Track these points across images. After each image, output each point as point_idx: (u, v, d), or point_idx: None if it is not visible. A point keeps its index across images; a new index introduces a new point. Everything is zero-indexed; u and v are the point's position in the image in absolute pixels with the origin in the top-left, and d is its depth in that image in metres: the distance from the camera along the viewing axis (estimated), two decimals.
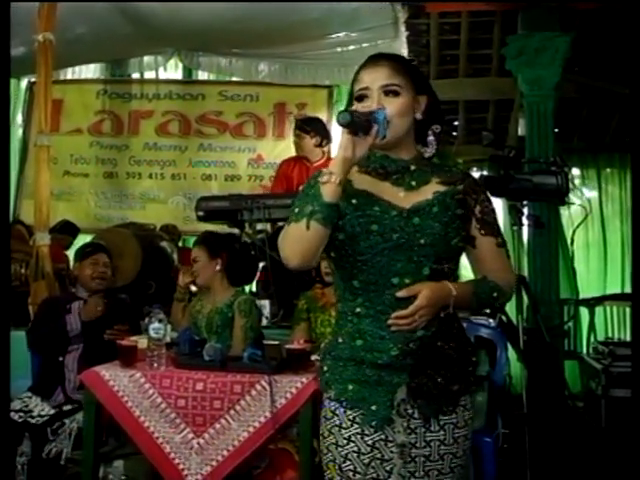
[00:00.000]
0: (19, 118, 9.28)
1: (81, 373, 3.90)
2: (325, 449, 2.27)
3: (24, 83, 9.27)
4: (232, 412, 3.50)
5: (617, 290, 7.97)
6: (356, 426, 2.21)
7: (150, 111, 9.04)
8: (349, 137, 2.08)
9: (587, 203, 6.96)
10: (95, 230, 7.67)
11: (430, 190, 2.25)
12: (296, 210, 2.15)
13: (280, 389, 3.47)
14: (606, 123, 8.24)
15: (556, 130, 5.98)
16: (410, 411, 2.19)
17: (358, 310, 2.23)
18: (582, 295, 7.39)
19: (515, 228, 5.00)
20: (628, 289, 7.75)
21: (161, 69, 9.33)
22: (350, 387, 2.22)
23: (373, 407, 2.19)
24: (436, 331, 2.19)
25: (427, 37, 7.26)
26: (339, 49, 8.10)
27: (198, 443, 3.53)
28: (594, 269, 8.33)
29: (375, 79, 2.22)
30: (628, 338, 6.70)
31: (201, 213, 5.45)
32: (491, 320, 4.87)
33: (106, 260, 4.73)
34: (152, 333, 3.68)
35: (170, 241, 6.77)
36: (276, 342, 3.77)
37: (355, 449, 2.20)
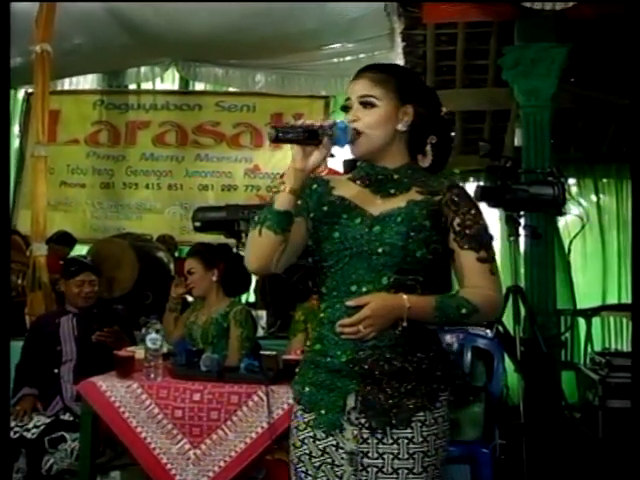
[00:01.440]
0: (16, 129, 9.28)
1: (77, 383, 3.90)
2: (291, 446, 2.31)
3: (21, 94, 9.28)
4: (229, 423, 3.49)
5: (615, 300, 7.97)
6: (309, 429, 2.23)
7: (147, 122, 9.08)
8: (298, 148, 2.11)
9: (584, 213, 6.98)
10: (91, 240, 7.68)
11: (406, 199, 2.22)
12: (255, 217, 2.19)
13: (277, 400, 3.46)
14: (603, 133, 8.25)
15: (552, 141, 5.97)
16: (362, 420, 2.17)
17: (322, 315, 2.27)
18: (580, 305, 7.40)
19: (512, 239, 5.00)
20: (625, 299, 7.76)
21: (158, 80, 9.38)
22: (307, 389, 2.25)
23: (323, 411, 2.20)
24: (390, 342, 2.16)
25: (423, 48, 7.26)
26: (335, 60, 8.14)
27: (195, 454, 3.52)
28: (592, 279, 8.32)
29: (354, 91, 2.25)
30: (625, 349, 6.70)
31: (198, 224, 5.45)
32: (488, 331, 4.87)
33: (92, 278, 4.68)
34: (149, 344, 3.68)
35: (167, 251, 6.77)
36: (273, 353, 3.77)
37: (307, 452, 2.23)
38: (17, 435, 4.16)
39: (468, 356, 4.46)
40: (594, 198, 8.57)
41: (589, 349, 6.92)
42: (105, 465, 4.14)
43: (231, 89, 9.24)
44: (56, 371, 4.47)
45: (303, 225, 2.24)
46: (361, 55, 8.11)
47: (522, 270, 5.74)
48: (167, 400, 3.56)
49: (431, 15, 6.49)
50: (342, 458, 2.19)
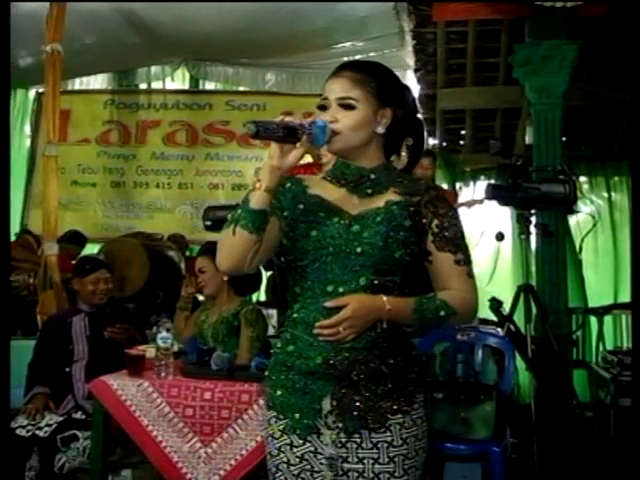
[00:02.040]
0: (27, 128, 9.31)
1: (89, 382, 3.91)
2: (267, 456, 2.27)
3: (32, 93, 9.30)
4: (240, 421, 3.49)
5: (627, 299, 7.93)
6: (285, 437, 2.19)
7: (157, 121, 9.10)
8: (275, 146, 2.08)
9: (595, 211, 6.97)
10: (102, 239, 7.70)
11: (384, 199, 2.20)
12: (228, 216, 2.15)
13: None
14: (614, 131, 8.22)
15: (564, 138, 5.95)
16: (339, 424, 2.14)
17: (295, 316, 2.22)
18: (592, 304, 7.37)
19: (523, 237, 4.99)
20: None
21: (168, 79, 9.39)
22: (279, 393, 2.20)
23: (297, 415, 2.17)
24: (368, 344, 2.14)
25: (434, 46, 7.24)
26: (345, 58, 8.04)
27: (206, 452, 3.52)
28: (604, 278, 8.29)
29: (333, 90, 2.21)
30: None
31: (208, 222, 5.43)
32: (499, 329, 4.87)
33: (107, 276, 4.70)
34: (160, 342, 3.69)
35: (178, 250, 6.78)
36: None
37: (285, 460, 2.19)
38: (30, 433, 4.17)
39: (479, 354, 4.45)
40: (606, 196, 8.54)
41: (601, 347, 6.90)
42: (116, 463, 4.15)
43: (241, 88, 9.25)
44: (68, 370, 4.48)
45: (277, 224, 2.20)
46: (371, 53, 8.10)
47: (533, 268, 5.72)
48: (178, 399, 3.57)
49: (441, 13, 6.48)
50: (321, 464, 2.17)
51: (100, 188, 8.98)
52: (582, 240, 6.21)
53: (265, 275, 5.86)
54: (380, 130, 2.23)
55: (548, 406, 4.77)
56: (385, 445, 2.15)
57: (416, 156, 2.32)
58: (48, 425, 4.22)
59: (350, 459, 2.16)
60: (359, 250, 2.13)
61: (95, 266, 4.68)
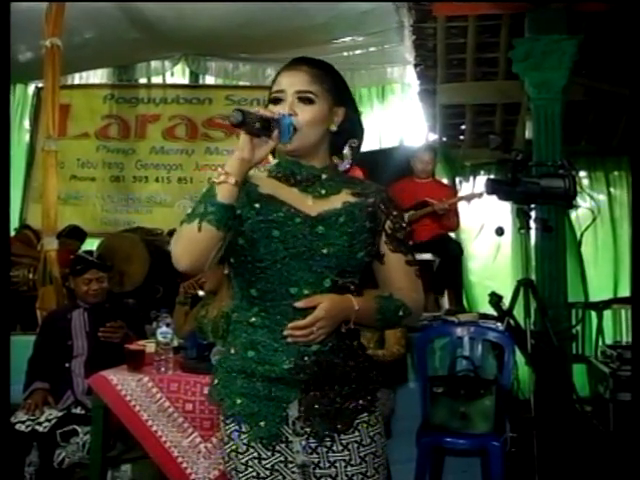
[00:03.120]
0: (26, 123, 9.31)
1: (88, 377, 3.92)
2: (229, 474, 2.18)
3: (31, 88, 9.30)
4: None
5: (626, 293, 7.93)
6: (252, 450, 2.11)
7: (157, 115, 9.09)
8: (247, 138, 2.01)
9: (595, 206, 6.97)
10: (102, 234, 7.70)
11: (340, 200, 2.17)
12: (189, 210, 2.04)
13: None
14: (614, 126, 8.21)
15: (563, 133, 5.95)
16: (307, 429, 2.10)
17: (253, 320, 2.13)
18: (592, 298, 7.37)
19: (523, 232, 4.98)
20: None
21: (168, 74, 9.37)
22: (239, 401, 2.11)
23: (262, 423, 2.09)
24: (333, 346, 2.11)
25: (434, 41, 7.24)
26: (345, 53, 8.13)
27: (206, 447, 3.53)
28: (604, 272, 8.29)
29: (292, 83, 2.16)
30: None
31: None
32: (499, 324, 4.87)
33: (99, 275, 4.68)
34: (160, 337, 3.69)
35: None
36: None
37: (254, 474, 2.11)
38: (29, 429, 4.18)
39: (479, 349, 4.47)
40: (605, 191, 8.54)
41: (600, 342, 6.90)
42: (116, 458, 4.16)
43: (241, 83, 9.24)
44: (67, 365, 4.49)
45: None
46: (371, 48, 8.11)
47: (533, 263, 5.72)
48: (178, 394, 3.58)
49: (442, 8, 6.48)
50: (293, 472, 2.11)
51: (99, 182, 8.97)
52: (582, 234, 6.21)
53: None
54: (333, 128, 2.19)
55: (547, 401, 4.77)
56: (355, 445, 2.13)
57: (355, 158, 2.27)
58: (48, 420, 4.23)
59: (322, 464, 2.13)
60: (325, 251, 2.09)
61: (86, 266, 4.67)
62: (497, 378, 4.31)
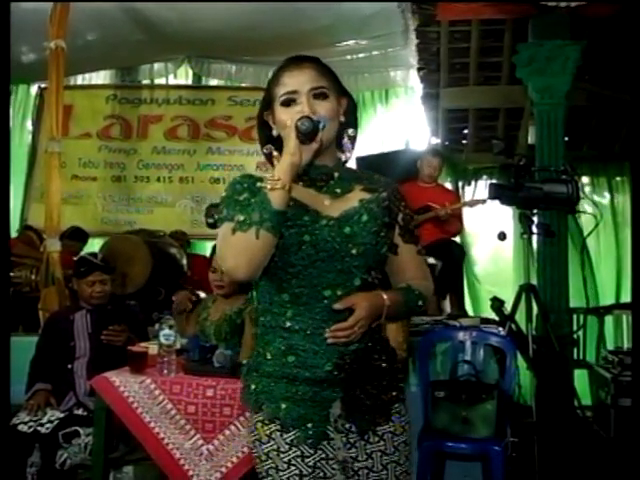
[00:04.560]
0: (28, 124, 9.32)
1: (90, 379, 3.92)
2: (264, 472, 2.17)
3: (34, 89, 9.31)
4: (242, 419, 3.49)
5: (628, 299, 7.93)
6: (294, 449, 2.12)
7: (159, 116, 9.11)
8: (297, 142, 2.02)
9: (598, 212, 6.96)
10: (102, 234, 7.75)
11: (355, 198, 2.20)
12: (240, 218, 2.03)
13: None
14: (616, 132, 8.22)
15: (566, 138, 5.96)
16: (347, 426, 2.16)
17: (288, 324, 2.14)
18: (594, 304, 7.37)
19: (525, 237, 4.98)
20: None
21: (171, 76, 9.38)
22: (283, 406, 2.13)
23: (309, 425, 2.12)
24: (368, 342, 2.16)
25: (437, 45, 7.25)
26: (349, 57, 8.14)
27: (208, 449, 3.53)
28: (606, 278, 8.30)
29: (302, 82, 2.14)
30: None
31: (211, 220, 5.46)
32: (501, 328, 4.87)
33: (103, 278, 4.66)
34: (162, 339, 3.69)
35: (179, 248, 6.79)
36: None
37: (297, 472, 2.12)
38: (31, 430, 4.17)
39: (480, 354, 4.47)
40: (608, 196, 8.55)
41: (601, 347, 6.90)
42: (118, 460, 4.16)
43: (244, 85, 9.25)
44: (70, 366, 4.49)
45: None
46: (374, 52, 8.12)
47: (535, 268, 5.73)
48: (180, 396, 3.57)
49: (445, 12, 6.48)
50: (333, 469, 2.14)
51: (101, 182, 8.99)
52: (584, 240, 6.21)
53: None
54: (342, 119, 2.21)
55: (549, 406, 4.77)
56: (390, 435, 2.20)
57: (353, 148, 2.29)
58: (50, 421, 4.23)
59: (359, 457, 2.18)
60: (354, 252, 2.12)
61: (90, 269, 4.66)
62: (498, 383, 4.31)
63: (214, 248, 4.51)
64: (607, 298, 8.03)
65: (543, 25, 5.94)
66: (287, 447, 2.13)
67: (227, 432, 3.52)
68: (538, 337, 4.94)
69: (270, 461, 2.15)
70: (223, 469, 3.49)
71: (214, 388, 3.54)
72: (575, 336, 6.24)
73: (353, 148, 2.27)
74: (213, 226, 5.53)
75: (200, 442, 3.54)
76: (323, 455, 2.14)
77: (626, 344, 6.97)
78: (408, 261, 2.27)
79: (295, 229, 2.10)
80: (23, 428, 4.17)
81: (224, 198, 2.20)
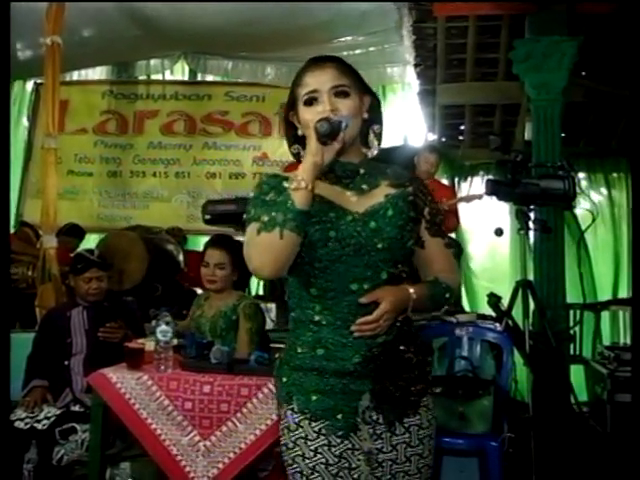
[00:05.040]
0: (24, 120, 9.30)
1: (87, 375, 3.91)
2: (290, 460, 2.23)
3: (30, 85, 9.29)
4: (239, 415, 3.50)
5: (626, 295, 7.94)
6: (322, 437, 2.18)
7: (155, 111, 9.10)
8: (319, 144, 2.07)
9: (594, 207, 6.97)
10: (98, 229, 7.76)
11: (381, 193, 2.24)
12: (265, 219, 2.09)
13: None
14: (613, 128, 8.22)
15: (563, 134, 5.97)
16: (375, 417, 2.19)
17: (317, 318, 2.20)
18: (591, 300, 7.37)
19: (522, 232, 4.99)
20: None
21: (167, 72, 9.36)
22: (314, 398, 2.19)
23: (339, 416, 2.17)
24: (396, 335, 2.20)
25: (434, 41, 7.24)
26: (345, 53, 8.11)
27: (205, 445, 3.53)
28: (603, 274, 8.30)
29: (324, 81, 2.19)
30: None
31: (208, 216, 5.44)
32: (497, 324, 4.87)
33: (100, 274, 4.66)
34: (159, 336, 3.68)
35: (176, 244, 6.78)
36: (283, 345, 3.77)
37: (323, 461, 2.17)
38: (28, 426, 4.17)
39: (477, 349, 4.47)
40: (605, 192, 8.54)
41: (598, 343, 6.91)
42: (115, 456, 4.16)
43: (240, 81, 9.24)
44: (66, 363, 4.49)
45: None
46: (371, 48, 8.10)
47: (531, 264, 5.73)
48: (177, 392, 3.57)
49: (442, 8, 6.49)
50: (359, 460, 2.18)
51: (96, 177, 8.98)
52: (581, 235, 6.21)
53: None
54: (365, 116, 2.25)
55: (545, 401, 4.78)
56: (416, 428, 2.23)
57: (380, 144, 2.33)
58: (47, 418, 4.22)
59: (385, 449, 2.21)
60: (379, 246, 2.16)
61: (87, 265, 4.66)
62: (495, 378, 4.31)
63: (206, 243, 4.53)
64: (604, 294, 8.03)
65: (540, 21, 5.95)
66: (315, 435, 2.18)
67: (224, 428, 3.52)
68: (535, 333, 4.96)
69: (297, 448, 2.20)
70: (220, 465, 3.49)
71: (211, 384, 3.54)
72: (571, 332, 6.25)
73: (379, 144, 2.31)
74: (210, 222, 5.52)
75: (197, 438, 3.54)
76: (349, 445, 2.18)
77: (622, 339, 6.99)
78: (435, 254, 2.31)
79: (320, 225, 2.15)
80: (20, 425, 4.16)
81: (251, 198, 2.25)
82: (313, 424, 2.18)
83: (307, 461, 2.18)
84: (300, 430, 2.20)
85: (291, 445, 2.22)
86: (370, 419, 2.19)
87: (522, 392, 5.24)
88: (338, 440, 2.17)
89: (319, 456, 2.17)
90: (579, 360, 6.70)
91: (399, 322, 2.19)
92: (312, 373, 2.20)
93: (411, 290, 2.17)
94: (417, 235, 2.26)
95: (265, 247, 2.08)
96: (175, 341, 3.85)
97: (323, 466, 2.17)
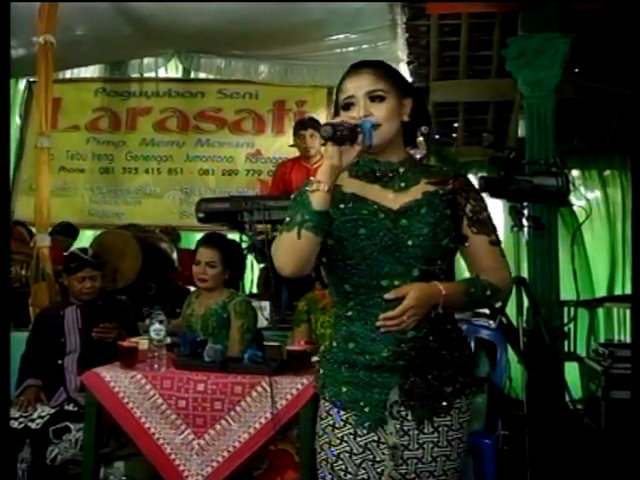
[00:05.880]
0: (17, 118, 9.27)
1: (81, 374, 3.91)
2: (319, 448, 2.31)
3: (22, 85, 9.26)
4: (232, 413, 3.50)
5: (621, 292, 7.95)
6: (349, 427, 2.23)
7: (148, 108, 9.05)
8: (336, 147, 2.11)
9: (588, 204, 6.97)
10: (90, 226, 7.74)
11: (419, 191, 2.28)
12: (287, 219, 2.17)
13: (280, 390, 3.48)
14: (606, 125, 8.22)
15: (556, 132, 5.95)
16: (403, 413, 2.21)
17: (350, 314, 2.26)
18: (586, 296, 7.38)
19: (515, 230, 4.99)
20: (630, 290, 7.74)
21: (160, 71, 9.33)
22: (344, 389, 2.25)
23: (366, 409, 2.21)
24: (428, 332, 2.21)
25: (427, 38, 7.23)
26: (338, 50, 8.11)
27: (199, 444, 3.54)
28: (598, 270, 8.29)
29: (359, 87, 2.25)
30: (628, 340, 6.69)
31: (201, 214, 5.43)
32: (491, 322, 4.87)
33: (93, 274, 4.68)
34: (153, 334, 3.69)
35: (170, 242, 6.77)
36: (276, 343, 3.77)
37: (347, 449, 2.23)
38: (22, 425, 4.17)
39: (471, 347, 4.47)
40: (598, 189, 8.54)
41: (592, 340, 6.92)
42: (109, 455, 4.14)
43: (233, 78, 9.22)
44: (60, 362, 4.49)
45: None
46: (364, 46, 8.08)
47: (525, 261, 5.73)
48: (171, 390, 3.58)
49: (435, 6, 6.48)
50: (383, 453, 2.21)
51: (88, 174, 8.90)
52: (574, 232, 6.21)
53: (257, 267, 5.87)
54: (406, 119, 2.30)
55: (540, 398, 4.79)
56: (445, 429, 2.24)
57: (429, 144, 2.40)
58: (40, 417, 4.22)
59: (411, 446, 2.22)
60: (410, 243, 2.19)
61: (81, 265, 4.66)
62: (489, 376, 4.31)
63: (198, 241, 4.55)
64: (600, 290, 8.04)
65: (532, 18, 5.93)
66: (342, 423, 2.25)
67: (218, 427, 3.53)
68: (529, 330, 4.96)
69: (325, 436, 2.29)
70: (214, 464, 3.51)
71: (205, 383, 3.55)
72: (566, 329, 6.25)
73: (428, 144, 2.38)
74: (203, 220, 5.51)
75: (191, 437, 3.55)
76: (375, 438, 2.22)
77: (617, 336, 7.00)
78: (480, 252, 2.33)
79: (352, 223, 2.22)
80: (13, 424, 4.16)
81: (292, 199, 2.28)
82: (342, 412, 2.24)
83: (332, 448, 2.25)
84: (329, 418, 2.28)
85: (321, 433, 2.31)
86: (398, 414, 2.21)
87: (516, 389, 5.24)
88: (364, 431, 2.22)
89: (344, 444, 2.23)
90: (573, 357, 6.71)
91: (432, 318, 2.20)
92: (344, 366, 2.26)
93: (441, 287, 2.18)
94: (459, 233, 2.28)
95: (286, 247, 2.16)
96: (168, 339, 3.85)
97: (347, 454, 2.23)
